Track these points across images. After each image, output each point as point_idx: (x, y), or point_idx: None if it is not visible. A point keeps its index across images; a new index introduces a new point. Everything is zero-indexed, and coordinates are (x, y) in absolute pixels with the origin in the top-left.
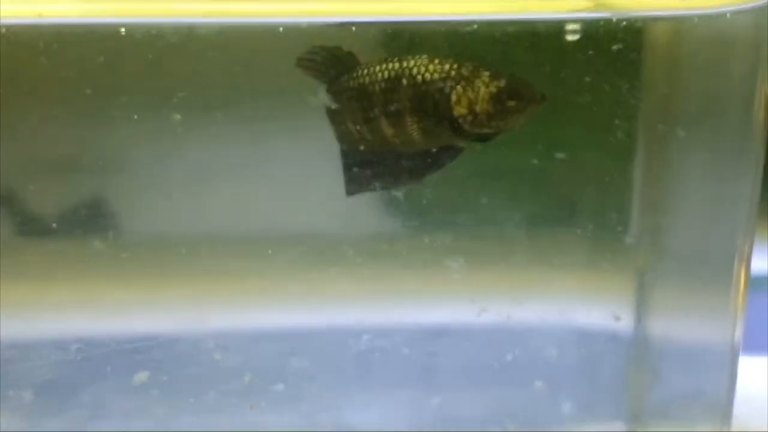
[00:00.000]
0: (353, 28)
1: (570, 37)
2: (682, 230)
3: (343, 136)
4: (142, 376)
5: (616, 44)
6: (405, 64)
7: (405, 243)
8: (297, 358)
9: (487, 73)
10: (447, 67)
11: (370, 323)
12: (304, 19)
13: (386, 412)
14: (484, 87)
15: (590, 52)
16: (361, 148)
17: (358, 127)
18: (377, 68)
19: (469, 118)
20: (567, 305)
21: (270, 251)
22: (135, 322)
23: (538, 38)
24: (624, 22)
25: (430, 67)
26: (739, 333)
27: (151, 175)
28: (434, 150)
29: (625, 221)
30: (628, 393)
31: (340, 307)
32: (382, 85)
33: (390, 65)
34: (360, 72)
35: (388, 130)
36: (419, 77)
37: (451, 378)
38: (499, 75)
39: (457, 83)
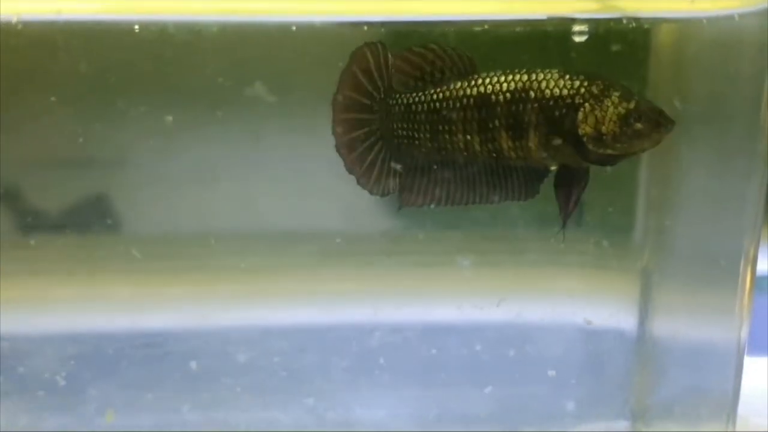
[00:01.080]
0: (365, 28)
1: (577, 39)
2: (688, 231)
3: (430, 144)
4: (151, 372)
5: (624, 45)
6: (534, 76)
7: (413, 241)
8: (307, 354)
9: (617, 93)
10: (577, 83)
11: (380, 320)
12: (315, 18)
13: (394, 406)
14: (612, 107)
15: (598, 52)
16: (459, 158)
17: (468, 137)
18: (502, 78)
19: (594, 138)
20: (573, 304)
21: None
22: (146, 319)
23: (546, 39)
24: (633, 24)
25: (560, 82)
26: (744, 333)
27: (159, 172)
28: (552, 168)
29: (631, 221)
30: (633, 392)
31: (351, 304)
32: (507, 96)
33: (517, 77)
34: (481, 80)
35: (506, 143)
36: (547, 91)
37: (457, 374)
38: (629, 96)
39: (586, 101)
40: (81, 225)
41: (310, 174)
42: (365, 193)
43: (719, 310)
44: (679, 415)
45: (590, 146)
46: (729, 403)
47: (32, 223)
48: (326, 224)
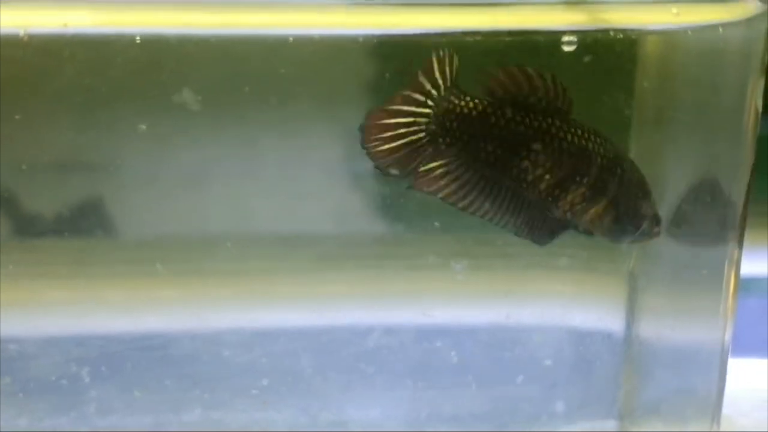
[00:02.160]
0: (360, 40)
1: (566, 48)
2: (674, 235)
3: (476, 152)
4: (150, 374)
5: (611, 55)
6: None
7: (407, 245)
8: (305, 356)
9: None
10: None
11: (375, 323)
12: (313, 31)
13: (387, 407)
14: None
15: (587, 62)
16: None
17: (525, 164)
18: (609, 145)
19: (650, 227)
20: (562, 306)
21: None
22: (144, 321)
23: (536, 49)
24: (620, 35)
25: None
26: (728, 335)
27: (157, 177)
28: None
29: None
30: (620, 392)
31: (346, 307)
32: (606, 164)
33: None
34: (581, 131)
35: (566, 197)
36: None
37: (449, 375)
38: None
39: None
40: (79, 229)
41: (305, 178)
42: (359, 197)
43: (704, 313)
44: (666, 415)
45: (643, 233)
46: (714, 403)
47: (30, 226)
48: (321, 228)
